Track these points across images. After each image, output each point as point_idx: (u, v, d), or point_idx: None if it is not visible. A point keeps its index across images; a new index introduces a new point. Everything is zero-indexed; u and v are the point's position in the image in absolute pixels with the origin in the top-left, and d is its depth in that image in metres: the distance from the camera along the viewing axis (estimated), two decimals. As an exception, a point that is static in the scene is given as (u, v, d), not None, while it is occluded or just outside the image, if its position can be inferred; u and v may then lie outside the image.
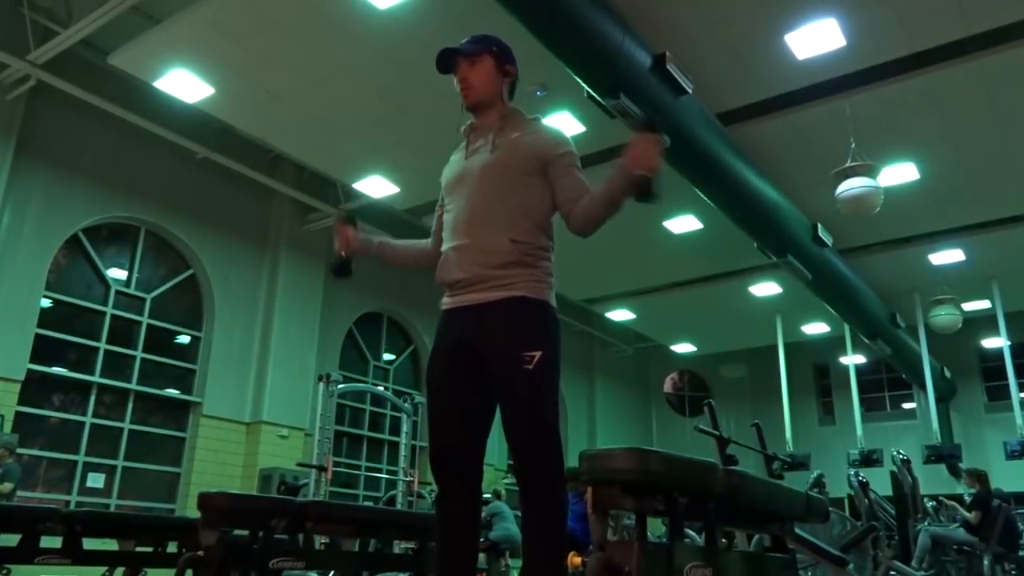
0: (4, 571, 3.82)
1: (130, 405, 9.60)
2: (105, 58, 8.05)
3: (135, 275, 9.90)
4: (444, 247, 2.31)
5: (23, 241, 8.55)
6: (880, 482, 8.26)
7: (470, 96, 2.32)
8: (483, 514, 8.07)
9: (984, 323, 14.14)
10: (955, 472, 14.19)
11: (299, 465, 9.08)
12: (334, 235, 2.49)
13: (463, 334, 2.19)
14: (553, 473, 2.06)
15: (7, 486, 7.03)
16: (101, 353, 9.32)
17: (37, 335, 8.59)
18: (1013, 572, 7.45)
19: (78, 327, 9.21)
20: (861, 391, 13.90)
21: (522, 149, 2.24)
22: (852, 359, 13.87)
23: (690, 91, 7.07)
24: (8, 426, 7.99)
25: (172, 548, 4.37)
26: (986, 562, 6.96)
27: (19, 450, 7.87)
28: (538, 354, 2.07)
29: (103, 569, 4.35)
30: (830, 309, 12.26)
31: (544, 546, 2.03)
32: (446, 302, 2.28)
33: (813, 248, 10.02)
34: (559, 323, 2.22)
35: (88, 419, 9.13)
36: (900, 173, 9.54)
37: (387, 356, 13.19)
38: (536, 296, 2.16)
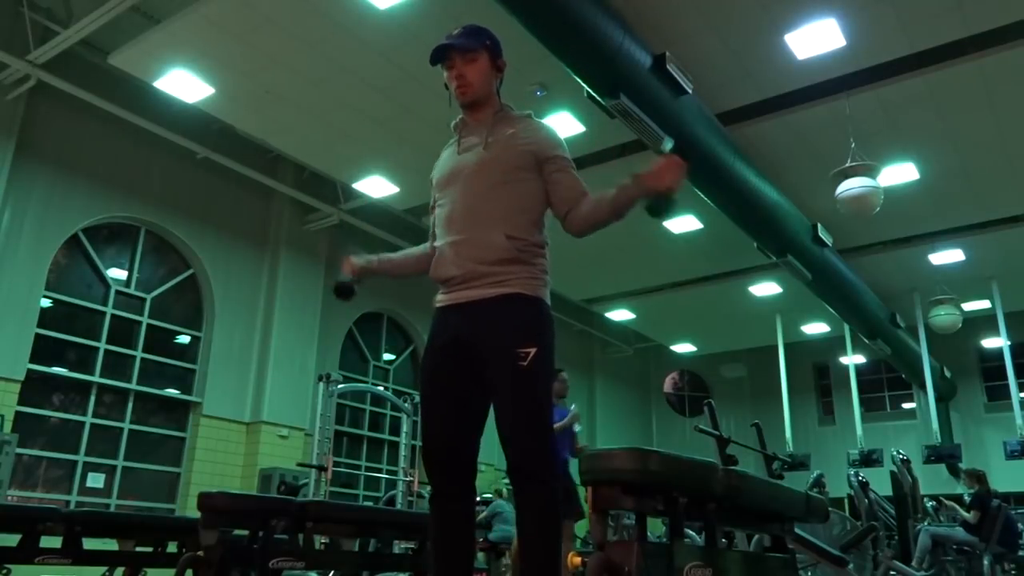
0: (4, 571, 3.82)
1: (130, 405, 9.59)
2: (105, 58, 8.05)
3: (135, 275, 9.89)
4: (438, 242, 2.29)
5: (23, 241, 8.54)
6: (880, 482, 8.27)
7: (467, 94, 2.30)
8: (483, 514, 8.06)
9: (984, 323, 14.15)
10: (955, 472, 14.20)
11: (299, 465, 9.07)
12: (343, 265, 2.50)
13: (458, 331, 2.18)
14: (546, 471, 2.06)
15: None
16: (101, 353, 9.32)
17: (37, 335, 8.59)
18: (1013, 572, 7.45)
19: (78, 327, 9.21)
20: (861, 391, 13.90)
21: (518, 146, 2.23)
22: (852, 359, 13.87)
23: (690, 91, 7.08)
24: (8, 426, 7.99)
25: (172, 548, 4.37)
26: (986, 562, 6.97)
27: (19, 450, 7.87)
28: (534, 350, 2.07)
29: (103, 569, 4.35)
30: (830, 309, 12.26)
31: (539, 543, 2.03)
32: (440, 299, 2.27)
33: (813, 248, 10.02)
34: (553, 321, 2.22)
35: (88, 419, 9.13)
36: (900, 173, 9.54)
37: (387, 356, 13.19)
38: (532, 293, 2.16)
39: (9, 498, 7.78)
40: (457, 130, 2.38)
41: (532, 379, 2.07)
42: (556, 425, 5.10)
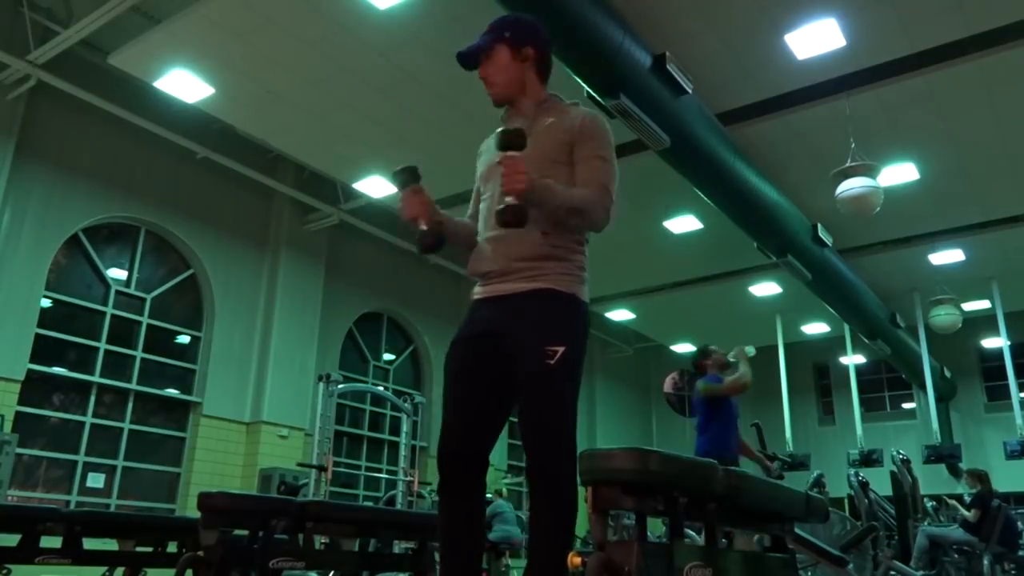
0: (4, 571, 3.82)
1: (130, 405, 9.59)
2: (105, 58, 8.05)
3: (135, 275, 9.90)
4: (479, 238, 2.25)
5: (23, 241, 8.54)
6: (880, 482, 8.26)
7: (493, 93, 2.27)
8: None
9: (984, 323, 14.15)
10: (955, 472, 14.20)
11: (299, 465, 9.07)
12: (404, 205, 2.17)
13: (488, 324, 2.13)
14: (565, 473, 1.99)
15: None
16: (101, 353, 9.32)
17: (37, 335, 8.59)
18: (1013, 572, 7.45)
19: (78, 327, 9.21)
20: (861, 391, 13.89)
21: (555, 136, 2.18)
22: (852, 359, 13.86)
23: (690, 91, 7.07)
24: (8, 426, 7.99)
25: (172, 548, 4.36)
26: (986, 562, 6.97)
27: (19, 450, 7.87)
28: (561, 349, 2.01)
29: (103, 569, 4.35)
30: (830, 309, 12.26)
31: (550, 547, 1.98)
32: (476, 292, 2.23)
33: (813, 248, 10.02)
34: (588, 319, 2.16)
35: (88, 419, 9.13)
36: (900, 173, 9.54)
37: (387, 356, 13.18)
38: (565, 289, 2.12)
39: (9, 498, 7.78)
40: (504, 122, 2.32)
41: (557, 379, 2.01)
42: (723, 384, 5.15)
